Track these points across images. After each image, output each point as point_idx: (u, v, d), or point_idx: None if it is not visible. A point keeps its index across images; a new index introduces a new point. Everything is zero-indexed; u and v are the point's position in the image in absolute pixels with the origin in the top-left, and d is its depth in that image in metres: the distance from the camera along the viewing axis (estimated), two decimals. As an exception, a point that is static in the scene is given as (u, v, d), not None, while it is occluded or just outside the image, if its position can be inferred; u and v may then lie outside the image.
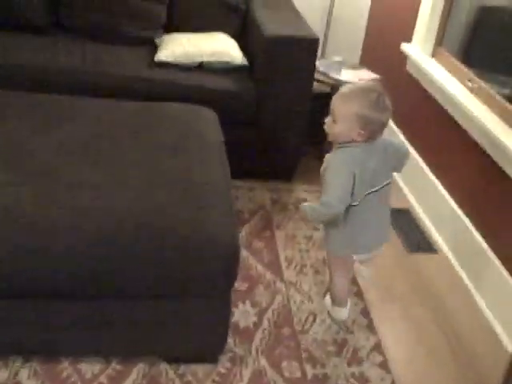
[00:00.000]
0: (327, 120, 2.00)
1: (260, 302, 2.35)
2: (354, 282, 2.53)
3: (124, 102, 2.50)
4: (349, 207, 1.98)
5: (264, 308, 2.32)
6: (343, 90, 1.98)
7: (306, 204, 2.13)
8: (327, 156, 2.05)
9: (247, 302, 2.34)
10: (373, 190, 1.99)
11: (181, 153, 2.17)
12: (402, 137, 3.38)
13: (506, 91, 2.68)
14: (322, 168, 2.06)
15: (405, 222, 3.00)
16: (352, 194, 1.95)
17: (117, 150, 2.13)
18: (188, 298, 1.89)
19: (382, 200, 2.07)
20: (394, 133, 3.43)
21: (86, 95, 2.51)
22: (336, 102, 1.95)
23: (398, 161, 2.09)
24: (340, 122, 1.94)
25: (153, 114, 2.41)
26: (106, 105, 2.44)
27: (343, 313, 2.31)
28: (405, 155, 2.12)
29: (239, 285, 2.37)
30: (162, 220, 1.82)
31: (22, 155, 2.03)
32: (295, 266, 2.58)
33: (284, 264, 2.57)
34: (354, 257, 2.17)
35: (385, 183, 2.03)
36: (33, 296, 1.77)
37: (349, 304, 2.32)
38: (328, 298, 2.36)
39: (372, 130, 1.93)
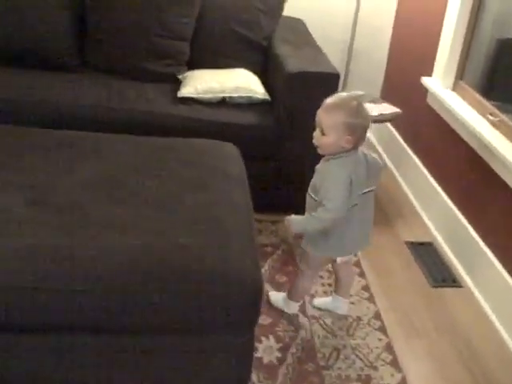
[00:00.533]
0: (315, 133, 2.14)
1: (283, 337, 2.34)
2: (378, 317, 2.52)
3: (148, 137, 2.53)
4: None
5: (287, 343, 2.32)
6: (326, 102, 2.12)
7: (293, 217, 2.24)
8: (319, 167, 2.19)
9: (271, 336, 2.34)
10: (360, 193, 2.17)
11: (204, 189, 2.19)
12: (424, 169, 3.38)
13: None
14: (314, 179, 2.19)
15: (428, 256, 2.98)
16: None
17: (141, 187, 2.15)
18: (211, 334, 1.90)
19: (366, 205, 2.23)
20: (417, 166, 3.44)
21: (110, 131, 2.55)
22: (322, 115, 2.10)
23: (376, 174, 2.25)
24: (329, 132, 2.08)
25: (176, 150, 2.44)
26: (130, 141, 2.47)
27: (296, 307, 2.48)
28: (381, 169, 2.30)
29: (262, 319, 2.36)
30: (185, 257, 1.83)
31: (48, 191, 2.06)
32: (318, 301, 2.57)
33: (307, 298, 2.56)
34: (338, 259, 2.33)
35: (367, 190, 2.20)
36: (57, 330, 1.79)
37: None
38: (281, 295, 2.49)
39: (358, 136, 2.09)
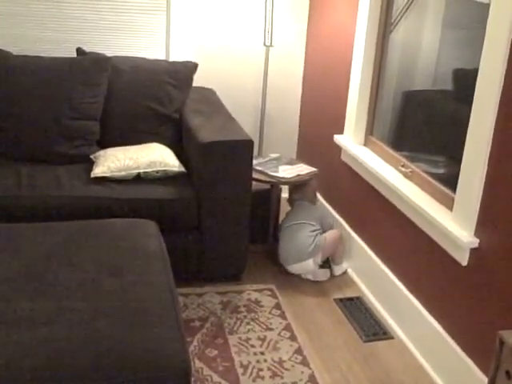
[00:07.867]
0: None
1: (218, 415, 2.29)
2: (313, 380, 2.49)
3: (63, 223, 2.47)
4: None
5: (223, 421, 2.26)
6: None
7: None
8: None
9: (205, 416, 2.28)
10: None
11: (123, 271, 2.14)
12: (344, 224, 3.43)
13: (440, 171, 2.77)
14: None
15: (358, 311, 2.99)
16: None
17: (57, 277, 2.09)
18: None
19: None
20: (337, 221, 3.48)
21: (23, 220, 2.49)
22: None
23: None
24: None
25: (92, 233, 2.39)
26: (45, 229, 2.40)
27: None
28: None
29: (195, 399, 2.31)
30: (107, 347, 1.77)
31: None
32: (251, 371, 2.51)
33: (240, 370, 2.51)
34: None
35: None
36: None
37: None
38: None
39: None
